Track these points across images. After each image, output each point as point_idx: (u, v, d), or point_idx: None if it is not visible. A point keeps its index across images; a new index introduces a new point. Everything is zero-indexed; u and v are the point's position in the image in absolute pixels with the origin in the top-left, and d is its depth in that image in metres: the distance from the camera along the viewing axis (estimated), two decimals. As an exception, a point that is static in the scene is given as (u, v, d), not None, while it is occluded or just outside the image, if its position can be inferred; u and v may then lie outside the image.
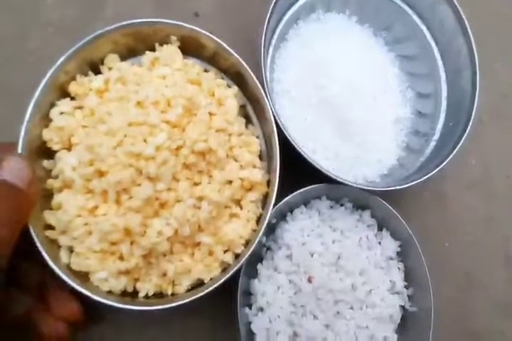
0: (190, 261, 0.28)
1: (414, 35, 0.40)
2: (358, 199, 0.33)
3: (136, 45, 0.30)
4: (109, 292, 0.26)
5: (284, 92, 0.36)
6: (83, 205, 0.25)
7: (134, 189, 0.25)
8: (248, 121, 0.32)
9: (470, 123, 0.33)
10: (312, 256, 0.30)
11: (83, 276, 0.26)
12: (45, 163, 0.27)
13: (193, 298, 0.25)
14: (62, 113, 0.27)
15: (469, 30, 0.35)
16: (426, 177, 0.31)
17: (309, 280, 0.29)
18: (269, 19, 0.32)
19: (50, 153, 0.27)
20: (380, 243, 0.33)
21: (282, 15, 0.37)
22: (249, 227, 0.29)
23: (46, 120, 0.27)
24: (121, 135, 0.25)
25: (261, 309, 0.29)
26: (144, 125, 0.26)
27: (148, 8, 0.39)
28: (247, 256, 0.27)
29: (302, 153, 0.30)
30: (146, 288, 0.27)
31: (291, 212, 0.32)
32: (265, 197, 0.30)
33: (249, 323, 0.29)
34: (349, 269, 0.30)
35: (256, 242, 0.27)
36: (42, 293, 0.26)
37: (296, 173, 0.33)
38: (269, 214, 0.27)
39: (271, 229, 0.32)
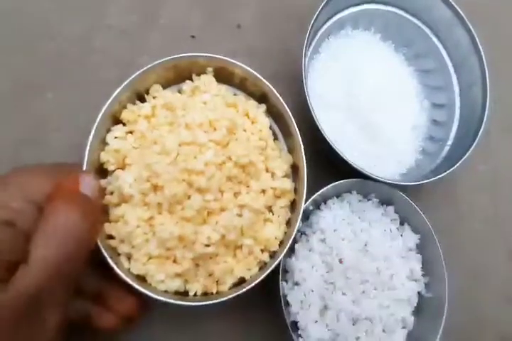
0: (233, 261, 0.32)
1: (431, 52, 0.47)
2: (383, 195, 0.39)
3: (175, 76, 0.36)
4: (165, 291, 0.31)
5: (316, 97, 0.42)
6: (141, 216, 0.30)
7: (186, 201, 0.30)
8: (275, 137, 0.37)
9: (480, 131, 0.40)
10: (343, 241, 0.36)
11: (141, 279, 0.31)
12: (102, 181, 0.31)
13: (237, 293, 0.30)
14: (116, 137, 0.33)
15: (482, 51, 0.42)
16: (442, 175, 0.38)
17: (340, 261, 0.35)
18: (308, 35, 0.39)
19: (104, 173, 0.32)
20: (401, 235, 0.39)
21: (317, 30, 0.43)
22: (282, 230, 0.34)
23: (103, 144, 0.32)
24: (175, 154, 0.30)
25: (296, 283, 0.35)
26: (193, 144, 0.31)
27: (196, 19, 0.46)
28: (282, 254, 0.32)
29: (339, 152, 0.35)
30: (195, 288, 0.32)
31: (325, 202, 0.38)
32: (292, 203, 0.35)
33: (286, 296, 0.34)
34: (375, 255, 0.36)
35: (290, 242, 0.32)
36: (101, 297, 0.30)
37: (330, 169, 0.39)
38: (299, 219, 0.32)
39: (305, 217, 0.38)
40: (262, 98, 0.37)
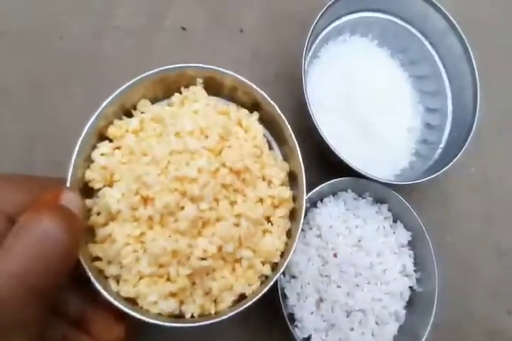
0: (232, 276, 0.30)
1: (425, 59, 0.49)
2: (377, 194, 0.42)
3: (164, 91, 0.35)
4: (159, 314, 0.29)
5: (315, 100, 0.45)
6: (131, 233, 0.28)
7: (179, 212, 0.28)
8: (269, 146, 0.36)
9: (471, 134, 0.43)
10: (338, 236, 0.38)
11: (131, 303, 0.28)
12: (87, 201, 0.29)
13: (236, 311, 0.28)
14: (102, 154, 0.31)
15: (473, 58, 0.45)
16: (433, 176, 0.40)
17: (335, 255, 0.37)
18: (308, 40, 0.41)
19: (89, 194, 0.30)
20: (394, 232, 0.41)
21: (317, 36, 0.46)
22: (282, 240, 0.32)
23: (88, 162, 0.31)
24: (165, 163, 0.29)
25: (293, 276, 0.37)
26: (184, 152, 0.29)
27: (201, 22, 0.48)
28: (283, 266, 0.30)
29: (336, 153, 0.38)
30: (191, 309, 0.29)
31: (321, 200, 0.41)
32: (291, 212, 0.34)
33: (283, 288, 0.36)
34: (368, 250, 0.38)
35: (291, 253, 0.30)
36: (81, 319, 0.27)
37: (326, 168, 0.41)
38: (300, 229, 0.31)
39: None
40: (254, 107, 0.36)
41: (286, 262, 0.30)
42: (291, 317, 0.37)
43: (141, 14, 0.47)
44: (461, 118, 0.46)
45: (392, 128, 0.47)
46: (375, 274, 0.38)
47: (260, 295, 0.29)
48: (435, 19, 0.46)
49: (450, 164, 0.41)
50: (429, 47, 0.49)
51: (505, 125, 0.52)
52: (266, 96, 0.33)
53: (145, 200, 0.29)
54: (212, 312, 0.30)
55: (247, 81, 0.33)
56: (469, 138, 0.42)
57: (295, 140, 0.33)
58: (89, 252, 0.29)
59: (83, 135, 0.30)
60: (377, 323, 0.38)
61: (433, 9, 0.46)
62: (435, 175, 0.40)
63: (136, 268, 0.28)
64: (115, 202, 0.28)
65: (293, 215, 0.34)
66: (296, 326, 0.36)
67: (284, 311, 0.35)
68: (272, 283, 0.29)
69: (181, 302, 0.30)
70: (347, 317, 0.37)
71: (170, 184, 0.28)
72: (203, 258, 0.28)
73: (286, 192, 0.33)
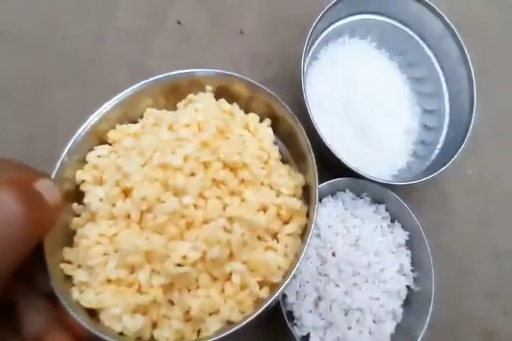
0: (219, 297, 0.26)
1: (423, 61, 0.50)
2: (375, 194, 0.42)
3: (174, 100, 0.33)
4: (121, 334, 0.24)
5: (314, 102, 0.46)
6: (104, 232, 0.25)
7: (158, 206, 0.25)
8: (285, 161, 0.33)
9: (467, 136, 0.43)
10: (337, 236, 0.39)
11: (94, 317, 0.25)
12: (75, 205, 0.27)
13: (219, 337, 0.24)
14: (99, 156, 0.29)
15: (470, 61, 0.45)
16: (430, 176, 0.41)
17: (333, 255, 0.38)
18: (307, 42, 0.42)
19: (79, 200, 0.28)
20: (392, 232, 0.42)
21: (316, 37, 0.47)
22: (289, 261, 0.27)
23: (82, 164, 0.29)
24: (151, 152, 0.26)
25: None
26: (174, 141, 0.27)
27: (201, 24, 0.49)
28: (282, 288, 0.25)
29: (335, 154, 0.38)
30: (165, 335, 0.25)
31: (320, 200, 0.41)
32: (303, 231, 0.29)
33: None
34: (366, 249, 0.39)
35: (293, 274, 0.26)
36: (40, 339, 0.24)
37: (325, 168, 0.42)
38: (306, 246, 0.27)
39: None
40: (271, 119, 0.34)
41: (286, 283, 0.25)
42: (290, 316, 0.37)
43: (142, 15, 0.48)
44: (458, 119, 0.46)
45: (390, 130, 0.48)
46: (373, 273, 0.39)
47: (250, 319, 0.24)
48: (433, 22, 0.47)
49: (447, 165, 0.42)
50: (426, 49, 0.50)
51: (501, 126, 0.53)
52: (285, 105, 0.31)
53: (126, 194, 0.27)
54: (192, 339, 0.25)
55: (263, 87, 0.31)
56: (466, 139, 0.43)
57: (312, 151, 0.30)
58: (61, 257, 0.26)
59: (78, 132, 0.29)
60: (374, 322, 0.38)
61: (431, 13, 0.47)
62: (432, 175, 0.41)
63: (104, 273, 0.25)
64: (97, 200, 0.26)
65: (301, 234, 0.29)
66: (295, 324, 0.37)
67: (283, 309, 0.35)
68: (265, 306, 0.24)
69: (154, 326, 0.25)
70: (345, 315, 0.37)
71: (151, 173, 0.25)
72: (180, 265, 0.24)
73: (297, 204, 0.29)
